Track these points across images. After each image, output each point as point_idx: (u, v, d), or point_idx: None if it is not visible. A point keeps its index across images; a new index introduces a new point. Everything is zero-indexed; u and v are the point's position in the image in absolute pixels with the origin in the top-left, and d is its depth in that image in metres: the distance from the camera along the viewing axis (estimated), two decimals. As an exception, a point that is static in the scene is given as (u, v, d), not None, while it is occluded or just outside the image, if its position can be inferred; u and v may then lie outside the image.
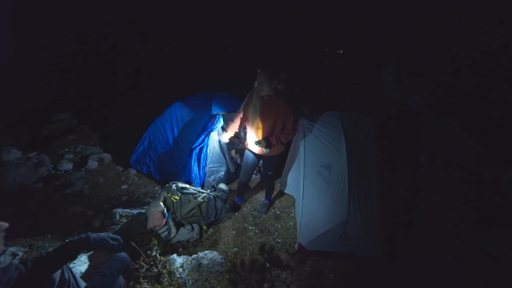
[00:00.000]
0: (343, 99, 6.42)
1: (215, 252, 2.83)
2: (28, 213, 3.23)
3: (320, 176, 2.94)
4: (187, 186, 3.41)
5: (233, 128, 3.07)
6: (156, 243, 2.93)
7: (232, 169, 4.13)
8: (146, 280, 2.44)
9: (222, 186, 3.82)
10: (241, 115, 3.02)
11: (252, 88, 2.83)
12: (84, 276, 2.31)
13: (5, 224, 1.56)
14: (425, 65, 7.30)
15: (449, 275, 2.78)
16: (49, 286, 1.57)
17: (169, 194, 3.18)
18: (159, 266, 2.61)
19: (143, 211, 3.31)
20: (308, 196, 2.92)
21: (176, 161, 3.76)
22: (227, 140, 3.24)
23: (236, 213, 3.53)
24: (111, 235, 2.88)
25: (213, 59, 8.69)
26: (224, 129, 3.17)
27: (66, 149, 4.65)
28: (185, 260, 2.70)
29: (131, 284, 2.41)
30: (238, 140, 4.46)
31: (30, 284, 1.45)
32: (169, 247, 2.97)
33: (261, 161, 3.31)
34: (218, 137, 3.61)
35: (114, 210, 3.37)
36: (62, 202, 3.46)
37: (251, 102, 2.84)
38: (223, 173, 4.04)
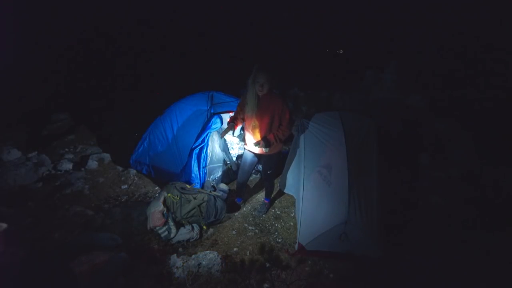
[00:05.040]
0: (342, 99, 6.41)
1: (215, 252, 2.83)
2: (28, 213, 3.23)
3: (320, 176, 2.93)
4: (187, 186, 3.41)
5: (231, 127, 3.01)
6: (156, 243, 2.94)
7: (234, 167, 4.14)
8: (146, 280, 2.44)
9: (222, 186, 3.82)
10: (238, 115, 3.03)
11: (247, 88, 2.83)
12: (84, 276, 2.30)
13: (4, 225, 1.57)
14: (425, 65, 7.31)
15: (449, 275, 2.78)
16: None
17: (169, 194, 3.18)
18: (159, 266, 2.62)
19: (143, 211, 3.31)
20: (308, 196, 2.92)
21: (176, 161, 3.76)
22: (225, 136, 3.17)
23: (236, 213, 3.53)
24: (111, 235, 2.90)
25: (213, 58, 8.69)
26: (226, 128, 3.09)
27: (66, 149, 4.66)
28: (185, 260, 2.70)
29: (131, 284, 2.41)
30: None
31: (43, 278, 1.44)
32: (169, 247, 2.97)
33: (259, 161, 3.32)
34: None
35: (114, 210, 3.38)
36: (62, 202, 3.46)
37: (247, 101, 2.85)
38: (222, 172, 4.05)
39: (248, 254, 2.96)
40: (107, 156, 4.40)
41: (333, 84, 7.05)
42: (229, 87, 4.75)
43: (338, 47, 10.03)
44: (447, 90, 6.41)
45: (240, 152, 4.44)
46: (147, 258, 2.70)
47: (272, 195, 3.65)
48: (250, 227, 3.33)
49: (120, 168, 4.22)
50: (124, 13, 9.91)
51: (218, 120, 3.67)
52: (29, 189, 3.66)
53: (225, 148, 4.19)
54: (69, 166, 4.12)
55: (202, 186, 3.68)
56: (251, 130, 2.95)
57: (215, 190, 3.63)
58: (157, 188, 3.90)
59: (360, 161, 2.93)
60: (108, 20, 9.48)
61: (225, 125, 3.82)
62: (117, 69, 7.96)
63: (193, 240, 3.09)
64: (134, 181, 4.00)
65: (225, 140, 4.22)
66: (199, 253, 2.80)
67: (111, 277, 2.35)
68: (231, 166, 4.17)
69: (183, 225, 3.15)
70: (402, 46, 8.51)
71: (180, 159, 3.73)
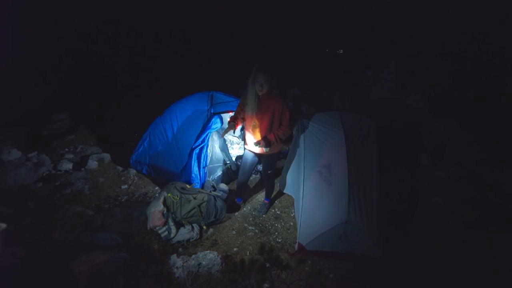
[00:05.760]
0: (342, 99, 6.42)
1: (215, 252, 2.83)
2: (28, 213, 3.23)
3: (320, 176, 2.93)
4: (187, 186, 3.41)
5: (231, 127, 3.01)
6: (156, 243, 2.94)
7: (234, 167, 4.13)
8: (146, 280, 2.44)
9: (222, 186, 3.82)
10: (238, 115, 3.03)
11: (247, 88, 2.84)
12: (84, 276, 2.30)
13: (3, 225, 1.56)
14: (425, 65, 7.31)
15: (449, 275, 2.78)
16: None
17: (169, 194, 3.18)
18: (159, 266, 2.62)
19: (143, 211, 3.31)
20: (308, 196, 2.92)
21: (176, 161, 3.76)
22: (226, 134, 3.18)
23: (236, 213, 3.53)
24: (111, 235, 2.90)
25: (212, 58, 8.69)
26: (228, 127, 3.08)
27: (66, 149, 4.66)
28: (185, 260, 2.70)
29: (131, 284, 2.41)
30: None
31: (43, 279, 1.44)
32: (169, 247, 2.97)
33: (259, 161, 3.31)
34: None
35: (114, 210, 3.38)
36: (62, 202, 3.46)
37: (247, 101, 2.86)
38: (222, 172, 4.05)
39: (248, 254, 2.96)
40: (107, 156, 4.40)
41: (333, 84, 7.05)
42: (229, 87, 4.75)
43: (338, 47, 10.03)
44: (447, 90, 6.41)
45: (240, 152, 4.45)
46: (147, 258, 2.70)
47: (272, 195, 3.65)
48: (250, 227, 3.33)
49: (120, 168, 4.22)
50: (124, 13, 9.91)
51: (218, 120, 3.67)
52: (29, 189, 3.66)
53: (225, 148, 4.20)
54: (69, 166, 4.12)
55: (202, 186, 3.67)
56: (252, 130, 2.95)
57: (215, 190, 3.63)
58: (157, 188, 3.90)
59: (360, 161, 2.93)
60: (108, 20, 9.48)
61: (225, 125, 3.82)
62: (117, 69, 7.97)
63: (193, 240, 3.09)
64: (134, 181, 4.00)
65: (224, 140, 4.23)
66: (199, 253, 2.80)
67: (111, 277, 2.35)
68: (230, 166, 4.17)
69: (183, 225, 3.15)
70: (402, 46, 8.51)
71: (180, 159, 3.73)
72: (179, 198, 3.15)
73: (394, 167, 4.20)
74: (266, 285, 2.45)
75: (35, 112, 5.65)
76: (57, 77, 7.04)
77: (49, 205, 3.41)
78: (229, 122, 3.03)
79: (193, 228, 3.14)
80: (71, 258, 2.37)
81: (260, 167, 3.87)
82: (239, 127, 3.14)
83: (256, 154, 3.16)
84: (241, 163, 3.35)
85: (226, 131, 3.00)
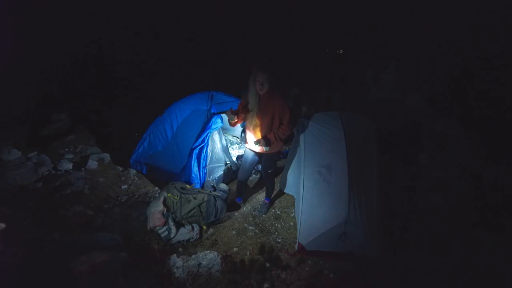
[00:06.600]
0: (342, 99, 6.41)
1: (215, 252, 2.83)
2: (28, 213, 3.23)
3: (320, 176, 2.94)
4: (187, 186, 3.41)
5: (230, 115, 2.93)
6: (156, 243, 2.94)
7: (234, 167, 4.14)
8: (146, 280, 2.44)
9: (222, 186, 3.82)
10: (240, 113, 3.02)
11: (248, 87, 2.85)
12: (84, 276, 2.30)
13: (3, 225, 1.56)
14: (425, 65, 7.30)
15: (449, 275, 2.78)
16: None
17: (169, 194, 3.18)
18: (159, 266, 2.62)
19: (143, 211, 3.31)
20: (308, 196, 2.92)
21: (176, 161, 3.76)
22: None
23: (236, 213, 3.53)
24: (111, 235, 2.90)
25: (212, 58, 8.69)
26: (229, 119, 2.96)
27: (66, 149, 4.65)
28: (185, 260, 2.70)
29: (131, 284, 2.41)
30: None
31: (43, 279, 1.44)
32: (169, 247, 2.97)
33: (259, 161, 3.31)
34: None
35: (114, 210, 3.38)
36: (62, 202, 3.46)
37: (248, 100, 2.88)
38: (222, 172, 4.05)
39: (248, 254, 2.97)
40: (107, 156, 4.40)
41: (333, 84, 7.05)
42: (229, 87, 4.75)
43: (338, 47, 10.03)
44: (447, 90, 6.41)
45: (240, 152, 4.45)
46: (147, 258, 2.70)
47: (272, 195, 3.65)
48: (250, 227, 3.33)
49: (120, 168, 4.22)
50: (124, 13, 9.90)
51: (219, 120, 3.67)
52: (29, 189, 3.66)
53: (225, 148, 4.20)
54: (69, 166, 4.12)
55: (202, 186, 3.68)
56: (252, 129, 2.97)
57: (215, 190, 3.63)
58: (157, 188, 3.90)
59: (360, 161, 2.93)
60: (108, 20, 9.47)
61: (225, 125, 3.83)
62: (117, 69, 7.97)
63: (193, 240, 3.09)
64: (134, 181, 4.00)
65: (225, 140, 4.23)
66: (199, 253, 2.81)
67: (111, 277, 2.35)
68: (231, 166, 4.18)
69: (183, 225, 3.15)
70: (402, 46, 8.50)
71: (180, 159, 3.73)
72: (179, 198, 3.15)
73: (394, 167, 4.20)
74: (266, 285, 2.45)
75: (35, 112, 5.64)
76: (57, 77, 7.03)
77: (49, 205, 3.41)
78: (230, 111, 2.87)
79: (193, 228, 3.14)
80: (71, 258, 2.37)
81: (260, 167, 3.88)
82: (239, 126, 3.14)
83: (256, 153, 3.17)
84: (241, 161, 3.37)
85: (229, 118, 2.86)
